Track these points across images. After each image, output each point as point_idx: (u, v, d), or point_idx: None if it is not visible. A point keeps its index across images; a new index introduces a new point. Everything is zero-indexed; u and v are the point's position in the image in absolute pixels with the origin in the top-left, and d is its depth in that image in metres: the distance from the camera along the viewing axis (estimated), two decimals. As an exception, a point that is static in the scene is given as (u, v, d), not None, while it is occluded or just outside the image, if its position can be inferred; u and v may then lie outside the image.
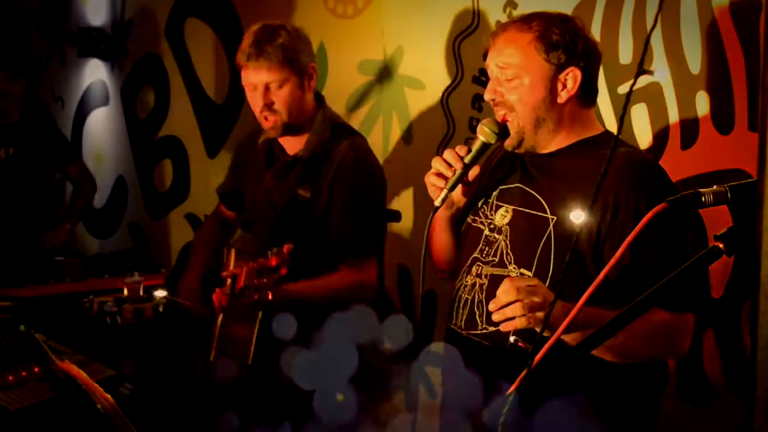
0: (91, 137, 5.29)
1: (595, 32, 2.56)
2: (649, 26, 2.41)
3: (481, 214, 2.07)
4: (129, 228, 5.03)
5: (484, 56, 1.97)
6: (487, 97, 1.95)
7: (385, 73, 3.32)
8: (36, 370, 2.41)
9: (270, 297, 2.23)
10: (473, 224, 2.08)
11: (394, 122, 3.31)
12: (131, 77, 4.85)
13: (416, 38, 3.18)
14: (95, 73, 5.15)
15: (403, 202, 3.33)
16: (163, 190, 4.72)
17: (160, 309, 3.06)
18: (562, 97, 1.89)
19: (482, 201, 2.09)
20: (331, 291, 2.51)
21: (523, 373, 1.27)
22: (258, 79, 2.51)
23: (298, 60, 2.53)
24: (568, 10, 2.62)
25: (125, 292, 3.11)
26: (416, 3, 3.17)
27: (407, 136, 3.28)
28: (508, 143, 1.95)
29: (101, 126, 5.19)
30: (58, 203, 5.18)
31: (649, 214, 1.27)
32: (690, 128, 2.34)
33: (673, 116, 2.37)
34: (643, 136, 2.45)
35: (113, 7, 4.93)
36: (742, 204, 1.22)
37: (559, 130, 1.93)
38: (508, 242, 1.97)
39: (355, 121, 3.36)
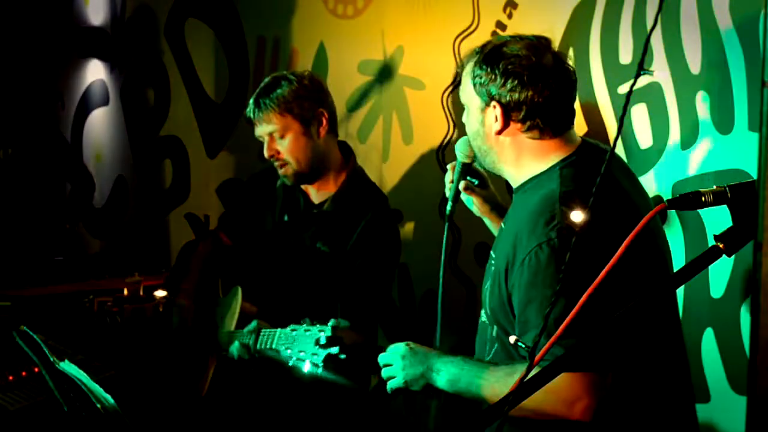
0: (91, 137, 5.29)
1: (595, 32, 2.56)
2: (649, 26, 2.40)
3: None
4: (129, 228, 5.03)
5: None
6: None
7: (385, 73, 3.32)
8: (36, 370, 2.41)
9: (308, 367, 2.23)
10: None
11: (394, 122, 3.31)
12: (131, 77, 4.85)
13: (416, 38, 3.18)
14: (95, 73, 5.15)
15: (403, 202, 3.33)
16: (163, 190, 4.72)
17: (160, 309, 3.06)
18: (495, 129, 1.88)
19: None
20: None
21: (523, 373, 1.27)
22: (262, 132, 2.56)
23: (299, 107, 2.54)
24: (568, 11, 2.63)
25: (125, 292, 3.11)
26: (416, 3, 3.17)
27: (407, 136, 3.28)
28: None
29: (101, 126, 5.19)
30: (58, 203, 5.18)
31: (650, 214, 1.27)
32: (690, 128, 2.34)
33: (673, 116, 2.37)
34: (643, 136, 2.45)
35: (113, 7, 4.92)
36: (742, 204, 1.22)
37: (506, 162, 1.91)
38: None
39: (355, 121, 3.36)
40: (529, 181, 1.89)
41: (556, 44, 2.68)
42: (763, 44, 0.93)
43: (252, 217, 2.81)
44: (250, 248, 2.80)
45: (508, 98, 1.84)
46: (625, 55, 2.50)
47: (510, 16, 2.83)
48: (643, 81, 2.40)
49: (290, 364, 2.24)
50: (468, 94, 1.92)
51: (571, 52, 2.65)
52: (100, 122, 5.20)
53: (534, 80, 1.83)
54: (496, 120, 1.87)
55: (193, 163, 4.47)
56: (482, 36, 2.93)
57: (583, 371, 1.72)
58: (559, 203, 1.76)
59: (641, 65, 1.26)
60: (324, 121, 2.57)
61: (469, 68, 1.91)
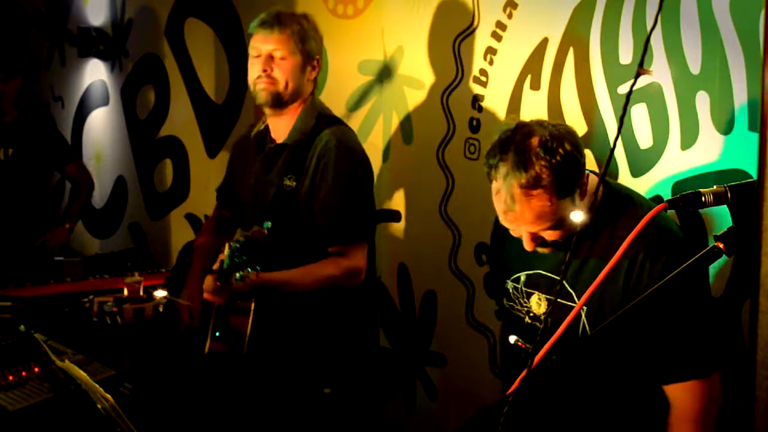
0: (91, 137, 5.29)
1: (595, 32, 2.56)
2: (649, 26, 2.41)
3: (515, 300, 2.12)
4: (129, 228, 5.04)
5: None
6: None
7: (385, 73, 3.32)
8: (36, 370, 2.41)
9: (253, 275, 2.22)
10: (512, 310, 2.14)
11: (394, 122, 3.31)
12: (131, 77, 4.86)
13: (416, 38, 3.18)
14: (95, 73, 5.15)
15: (403, 202, 3.33)
16: (164, 190, 4.72)
17: (160, 309, 3.06)
18: (584, 200, 1.92)
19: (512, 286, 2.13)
20: (316, 279, 2.50)
21: (524, 373, 1.27)
22: (265, 47, 2.58)
23: (308, 44, 2.60)
24: (568, 11, 2.63)
25: (125, 292, 3.11)
26: (416, 3, 3.17)
27: (407, 136, 3.28)
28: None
29: (101, 126, 5.20)
30: (58, 203, 5.18)
31: (650, 214, 1.27)
32: (690, 128, 2.34)
33: (673, 116, 2.37)
34: (643, 136, 2.45)
35: (113, 7, 4.93)
36: (742, 204, 1.22)
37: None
38: None
39: (355, 121, 3.36)
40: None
41: (556, 44, 2.69)
42: (763, 44, 0.93)
43: (236, 180, 2.86)
44: (240, 210, 2.84)
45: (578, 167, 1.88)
46: (625, 55, 2.50)
47: (510, 16, 2.83)
48: (643, 81, 2.40)
49: (238, 277, 2.23)
50: (546, 200, 1.86)
51: (571, 52, 2.65)
52: (100, 122, 5.21)
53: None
54: (585, 193, 1.90)
55: (193, 163, 4.48)
56: (482, 36, 2.93)
57: (706, 377, 1.83)
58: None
59: (641, 65, 1.26)
60: (317, 67, 2.63)
61: (525, 176, 1.83)
